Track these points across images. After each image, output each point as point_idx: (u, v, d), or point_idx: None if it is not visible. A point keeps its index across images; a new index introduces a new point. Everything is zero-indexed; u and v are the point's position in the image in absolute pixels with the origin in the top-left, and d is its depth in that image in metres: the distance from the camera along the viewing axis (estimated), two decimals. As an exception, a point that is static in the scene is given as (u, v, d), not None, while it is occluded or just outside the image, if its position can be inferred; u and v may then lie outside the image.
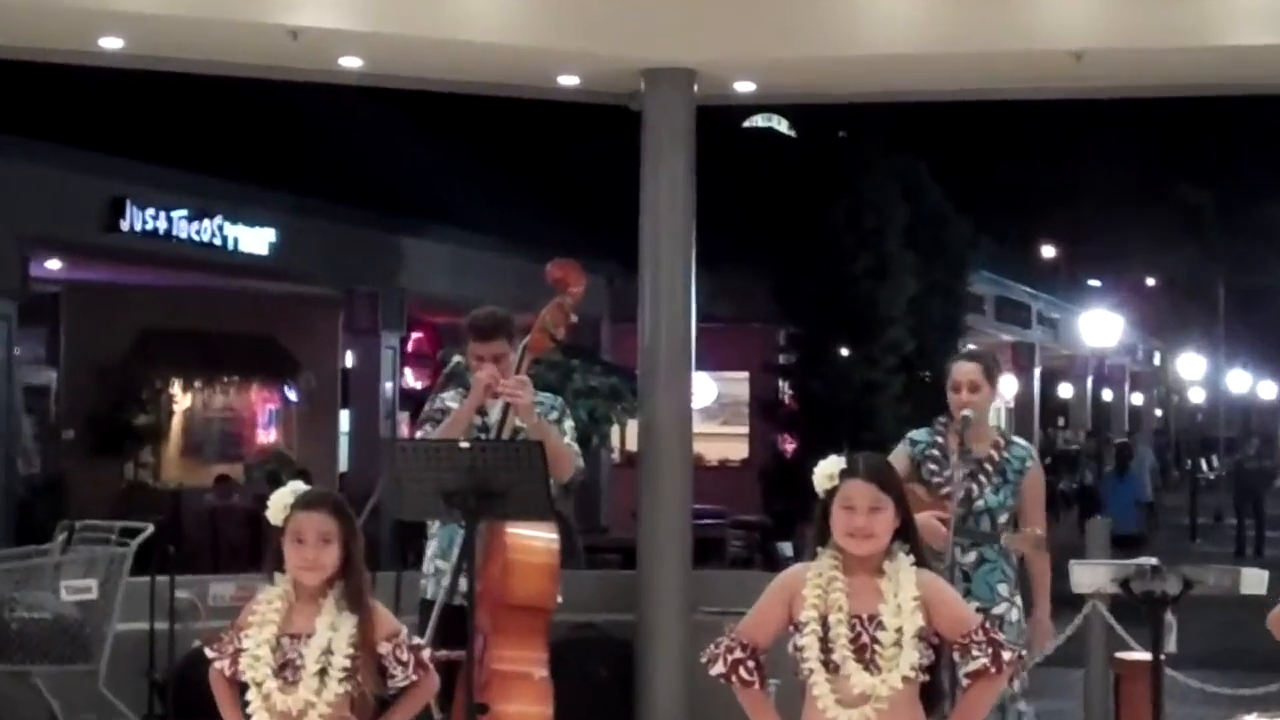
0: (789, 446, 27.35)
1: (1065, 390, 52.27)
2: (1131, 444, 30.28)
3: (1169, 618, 8.07)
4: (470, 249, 26.01)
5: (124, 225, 21.50)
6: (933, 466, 8.25)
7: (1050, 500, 9.18)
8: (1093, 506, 27.23)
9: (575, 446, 8.67)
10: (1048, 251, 52.86)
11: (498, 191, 26.18)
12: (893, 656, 5.21)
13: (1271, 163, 44.17)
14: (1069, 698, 11.66)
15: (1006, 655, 5.28)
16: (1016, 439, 8.49)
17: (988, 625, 5.41)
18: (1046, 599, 8.35)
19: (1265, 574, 8.26)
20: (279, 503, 5.59)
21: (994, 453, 8.28)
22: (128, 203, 21.43)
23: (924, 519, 7.74)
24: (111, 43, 11.09)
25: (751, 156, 29.95)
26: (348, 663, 5.47)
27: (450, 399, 8.74)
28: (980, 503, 8.18)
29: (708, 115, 12.11)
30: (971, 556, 8.15)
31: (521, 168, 27.56)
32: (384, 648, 5.55)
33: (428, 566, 8.59)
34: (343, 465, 26.58)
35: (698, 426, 16.98)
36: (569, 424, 8.69)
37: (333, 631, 5.49)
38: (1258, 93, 12.87)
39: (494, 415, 8.51)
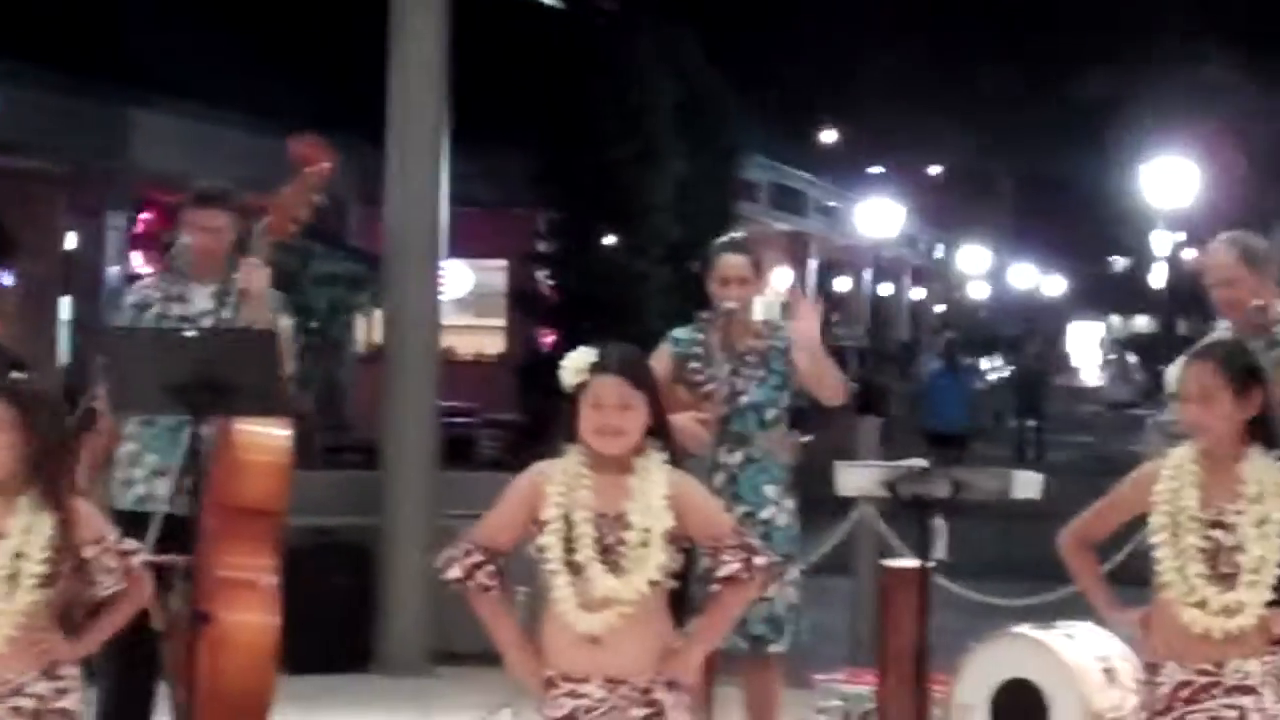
0: (548, 341, 27.36)
1: (843, 284, 52.75)
2: (917, 346, 30.85)
3: (938, 523, 8.21)
4: (209, 123, 25.62)
5: None
6: (696, 365, 8.22)
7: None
8: (871, 406, 27.61)
9: (293, 346, 8.51)
10: (827, 136, 53.16)
11: (241, 62, 25.76)
12: (639, 558, 5.21)
13: (1063, 48, 44.78)
14: (837, 608, 11.84)
15: (759, 560, 5.29)
16: (781, 326, 8.36)
17: (740, 529, 5.45)
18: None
19: (1039, 477, 8.42)
20: None
21: (755, 343, 8.25)
22: None
23: (683, 421, 7.78)
24: None
25: (513, 27, 29.77)
26: (44, 568, 5.33)
27: (148, 289, 8.54)
28: (745, 399, 8.15)
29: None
30: (737, 457, 8.11)
31: (267, 37, 27.17)
32: (89, 551, 5.42)
33: (122, 473, 8.26)
34: (63, 357, 26.18)
35: (451, 318, 17.00)
36: (286, 320, 8.49)
37: (25, 534, 5.34)
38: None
39: (200, 303, 8.27)
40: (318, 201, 8.67)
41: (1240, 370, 5.59)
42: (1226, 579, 5.45)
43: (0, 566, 5.33)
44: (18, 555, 5.33)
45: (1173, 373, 5.80)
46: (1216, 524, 5.48)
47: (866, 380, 40.08)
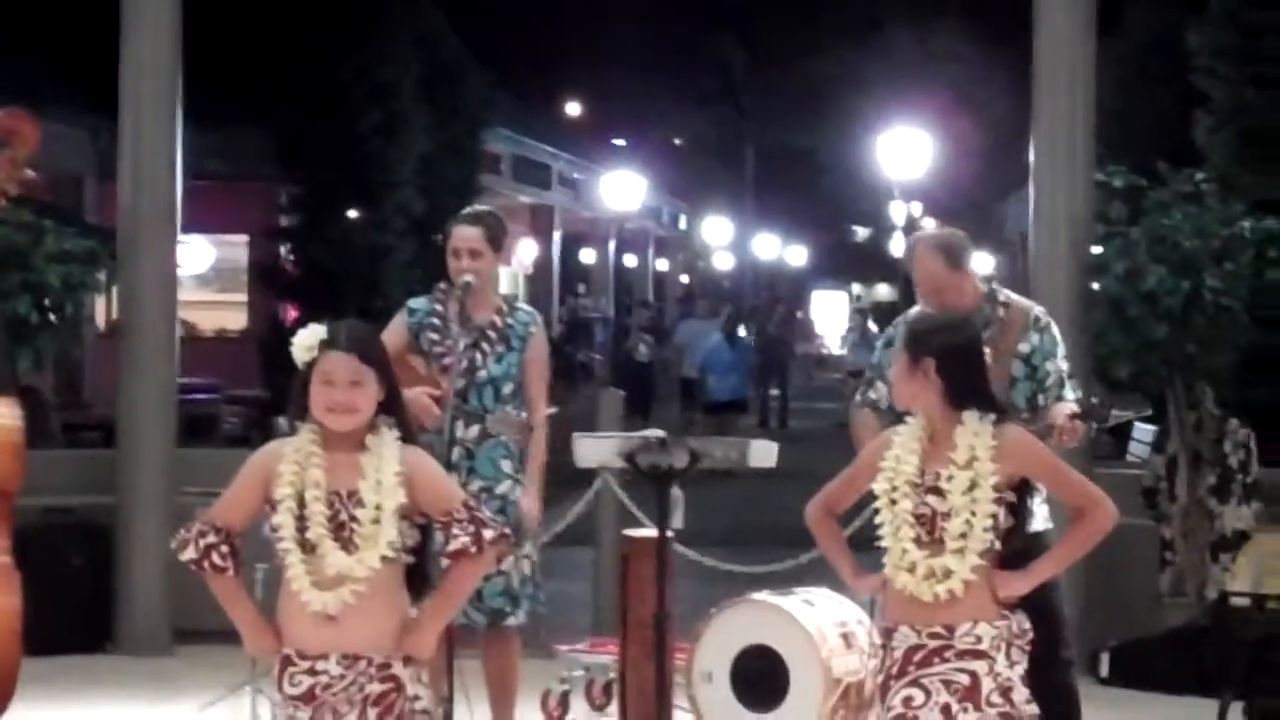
0: (292, 316, 27.15)
1: (587, 255, 52.84)
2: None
3: (675, 492, 8.25)
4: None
5: None
6: (433, 336, 8.23)
7: (568, 370, 9.25)
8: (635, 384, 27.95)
9: (17, 317, 8.38)
10: (571, 109, 53.24)
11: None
12: (371, 535, 5.20)
13: (802, 18, 45.21)
14: (580, 579, 11.88)
15: (489, 534, 5.28)
16: (520, 304, 8.48)
17: (471, 503, 5.42)
18: (535, 482, 8.26)
19: (775, 446, 8.48)
20: None
21: (496, 319, 8.27)
22: None
23: (414, 395, 7.74)
24: None
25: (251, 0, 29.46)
26: None
27: None
28: (483, 373, 8.18)
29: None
30: (474, 431, 8.15)
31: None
32: None
33: None
34: None
35: (191, 294, 16.80)
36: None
37: None
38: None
39: None
40: (28, 175, 8.54)
41: (914, 341, 5.72)
42: (939, 544, 5.52)
43: None
44: None
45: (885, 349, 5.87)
46: (933, 490, 5.55)
47: (619, 352, 40.36)
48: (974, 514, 5.52)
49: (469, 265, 8.17)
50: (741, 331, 30.05)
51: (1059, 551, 5.78)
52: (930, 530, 5.53)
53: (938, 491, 5.54)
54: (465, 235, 8.23)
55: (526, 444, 8.25)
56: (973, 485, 5.53)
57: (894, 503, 5.58)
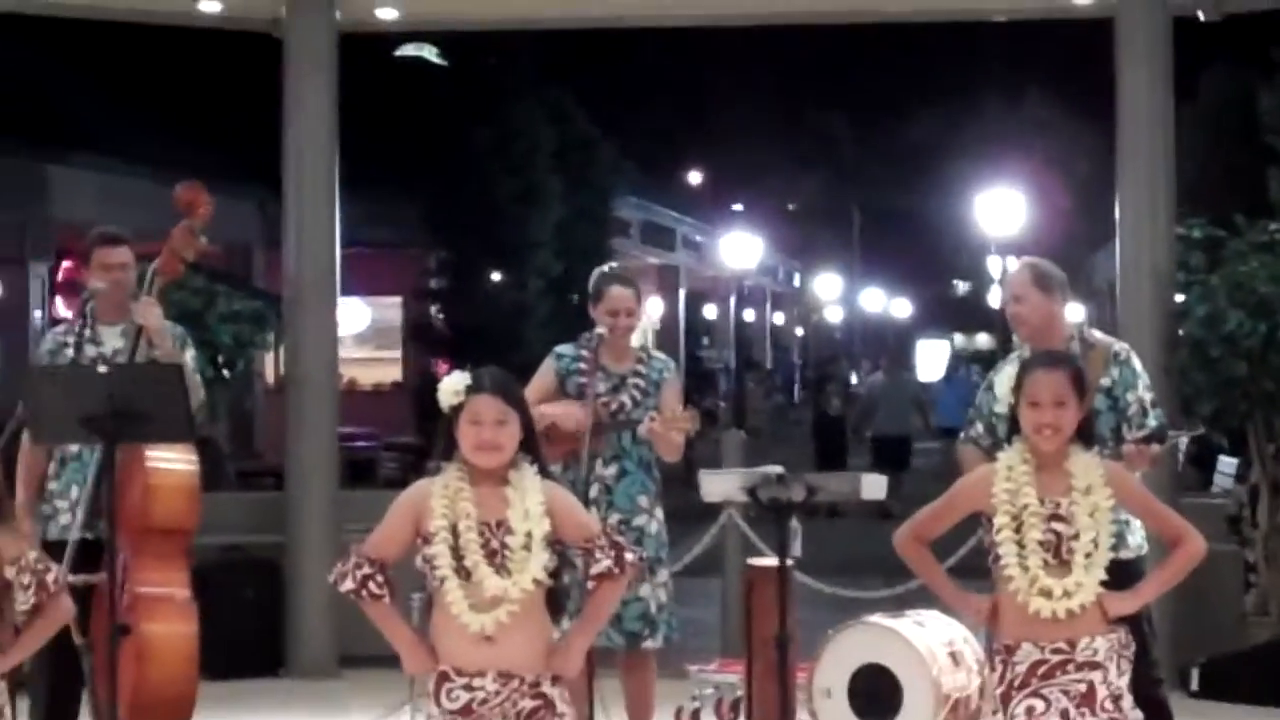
0: (442, 369, 27.32)
1: (710, 311, 52.87)
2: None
3: (794, 524, 8.22)
4: (119, 175, 25.40)
5: None
6: (581, 380, 8.24)
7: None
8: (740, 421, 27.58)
9: (198, 377, 8.46)
10: (692, 177, 53.31)
11: (148, 120, 25.62)
12: (522, 560, 5.21)
13: (901, 90, 45.13)
14: (709, 605, 11.84)
15: (629, 557, 5.31)
16: (655, 353, 8.52)
17: (609, 529, 5.45)
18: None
19: (884, 479, 8.46)
20: None
21: (638, 367, 8.33)
22: None
23: (564, 408, 7.90)
24: None
25: (402, 84, 29.71)
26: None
27: (62, 333, 8.49)
28: (623, 415, 8.19)
29: (356, 44, 12.05)
30: (613, 470, 8.16)
31: (172, 96, 27.00)
32: (8, 571, 5.34)
33: (47, 507, 8.17)
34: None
35: (351, 352, 16.90)
36: (191, 353, 8.47)
37: (-42, 558, 5.27)
38: (878, 21, 13.16)
39: (112, 343, 8.25)
40: (203, 244, 8.63)
41: (1081, 379, 5.70)
42: (1065, 565, 5.50)
43: None
44: (-55, 576, 5.26)
45: (1001, 382, 5.81)
46: (1054, 516, 5.53)
47: (736, 398, 40.25)
48: (1098, 536, 5.52)
49: (625, 323, 8.30)
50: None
51: (1160, 576, 5.78)
52: (1055, 554, 5.51)
53: (1059, 518, 5.52)
54: (624, 295, 8.32)
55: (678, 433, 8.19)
56: (1093, 510, 5.54)
57: (1019, 532, 5.54)
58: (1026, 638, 5.53)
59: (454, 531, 5.24)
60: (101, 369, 7.84)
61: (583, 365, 8.28)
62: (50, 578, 5.44)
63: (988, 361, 23.55)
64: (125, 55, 23.58)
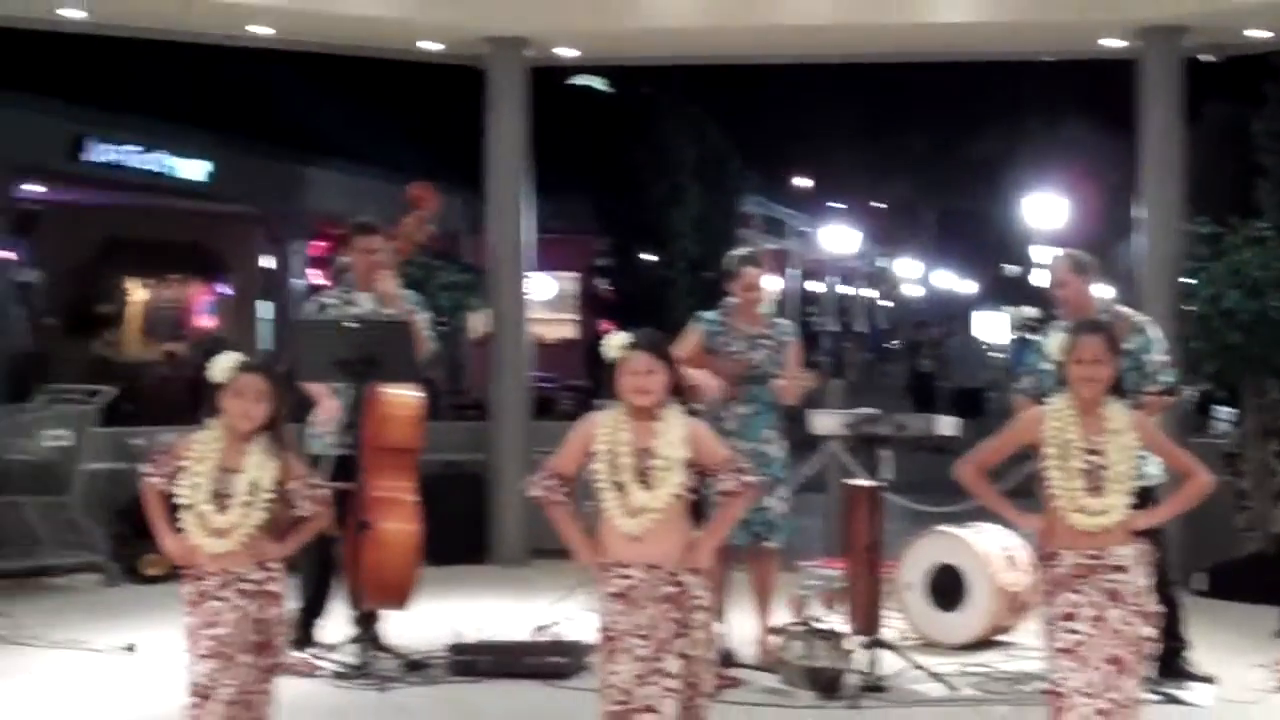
0: (606, 328, 27.38)
1: (815, 286, 52.67)
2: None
3: (884, 453, 8.21)
4: (358, 176, 25.67)
5: (83, 157, 21.21)
6: (722, 339, 8.25)
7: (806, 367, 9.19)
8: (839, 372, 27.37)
9: (429, 332, 8.55)
10: (801, 181, 53.04)
11: (381, 132, 25.82)
12: (665, 479, 5.21)
13: (966, 114, 44.62)
14: (816, 515, 11.83)
15: (750, 479, 5.33)
16: (779, 319, 8.48)
17: (737, 457, 5.46)
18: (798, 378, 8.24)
19: (958, 420, 8.44)
20: (225, 364, 5.38)
21: (767, 330, 8.30)
22: (85, 139, 21.13)
23: (701, 376, 7.88)
24: (74, 13, 10.89)
25: (576, 108, 29.77)
26: (269, 494, 5.35)
27: (329, 297, 8.61)
28: (758, 369, 8.20)
29: (539, 75, 12.09)
30: (746, 409, 8.15)
31: (400, 114, 27.19)
32: (293, 484, 5.43)
33: (310, 430, 8.27)
34: (263, 344, 26.25)
35: (539, 314, 16.94)
36: (424, 315, 8.56)
37: (259, 470, 5.34)
38: (954, 60, 13.06)
39: (364, 305, 8.35)
40: (430, 230, 8.72)
41: (1115, 343, 5.65)
42: (1098, 490, 5.45)
43: (240, 492, 5.33)
44: (253, 484, 5.34)
45: (1053, 344, 5.77)
46: (1092, 451, 5.48)
47: (835, 354, 40.06)
48: (1126, 468, 5.47)
49: (755, 295, 8.29)
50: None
51: (1174, 502, 5.73)
52: (1092, 481, 5.46)
53: (1095, 452, 5.47)
54: (754, 273, 8.32)
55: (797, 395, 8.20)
56: (1123, 448, 5.49)
57: (1063, 461, 5.49)
58: (1068, 546, 5.49)
59: (613, 454, 5.25)
60: (350, 324, 7.96)
61: (720, 328, 8.30)
62: (320, 492, 5.55)
63: (1034, 327, 23.35)
64: (365, 82, 23.74)
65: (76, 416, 10.55)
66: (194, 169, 23.39)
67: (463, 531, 11.26)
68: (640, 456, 5.25)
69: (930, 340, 31.84)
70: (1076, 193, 39.80)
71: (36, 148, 20.54)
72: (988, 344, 27.97)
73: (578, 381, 24.55)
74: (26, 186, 22.09)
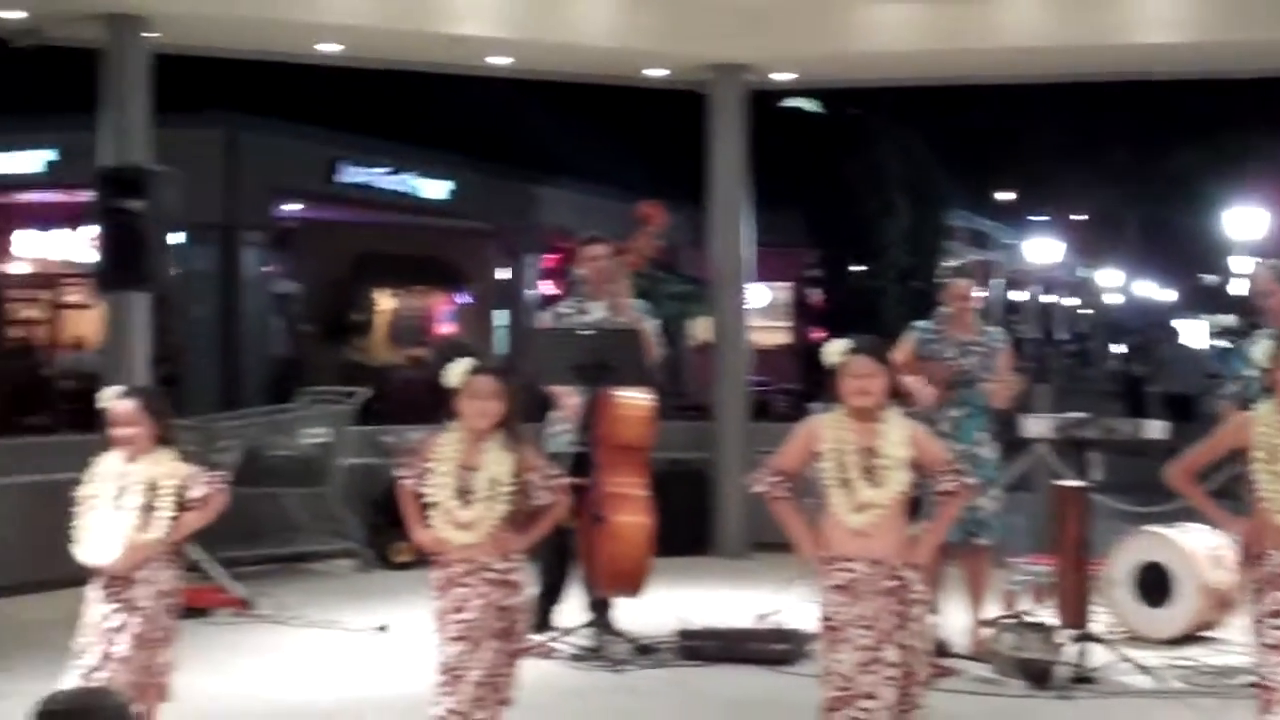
0: (818, 335, 27.31)
1: (1018, 295, 51.86)
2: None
3: (1093, 456, 8.05)
4: (589, 195, 25.98)
5: (337, 179, 21.77)
6: (935, 346, 8.17)
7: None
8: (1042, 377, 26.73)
9: (657, 339, 8.60)
10: (1005, 195, 52.20)
11: (608, 152, 26.07)
12: (889, 477, 5.18)
13: (1170, 129, 43.54)
14: (1026, 514, 11.62)
15: (967, 480, 5.30)
16: (989, 328, 8.38)
17: (954, 459, 5.41)
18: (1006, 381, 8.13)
19: (1166, 424, 8.23)
20: (458, 370, 5.45)
21: (979, 338, 8.21)
22: (339, 162, 21.68)
23: (915, 384, 7.79)
24: (330, 48, 11.20)
25: (789, 128, 29.71)
26: (509, 488, 5.40)
27: (565, 306, 8.72)
28: (969, 374, 8.10)
29: (758, 98, 12.10)
30: (959, 412, 8.05)
31: (626, 136, 27.41)
32: (532, 477, 5.47)
33: (550, 429, 8.39)
34: (499, 349, 26.70)
35: (756, 321, 16.96)
36: (652, 323, 8.61)
37: (498, 465, 5.39)
38: (1156, 78, 12.75)
39: (595, 314, 8.43)
40: (658, 244, 8.76)
41: None
42: None
43: (481, 487, 5.39)
44: (492, 479, 5.40)
45: (1259, 352, 5.59)
46: None
47: (1040, 360, 39.34)
48: None
49: (967, 304, 8.20)
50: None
51: None
52: None
53: None
54: (966, 285, 8.25)
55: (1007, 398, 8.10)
56: None
57: (1272, 463, 5.33)
58: (1276, 546, 5.32)
59: (839, 453, 5.22)
60: (585, 332, 8.05)
61: (933, 335, 8.22)
62: (557, 480, 5.59)
63: (1236, 335, 22.64)
64: (594, 106, 23.93)
65: (335, 415, 10.81)
66: (436, 189, 23.92)
67: (687, 525, 11.25)
68: (864, 455, 5.22)
69: (1142, 346, 31.01)
70: (1274, 203, 38.63)
71: (295, 171, 21.20)
72: (1198, 350, 27.06)
73: (791, 385, 24.50)
74: (286, 206, 22.79)
